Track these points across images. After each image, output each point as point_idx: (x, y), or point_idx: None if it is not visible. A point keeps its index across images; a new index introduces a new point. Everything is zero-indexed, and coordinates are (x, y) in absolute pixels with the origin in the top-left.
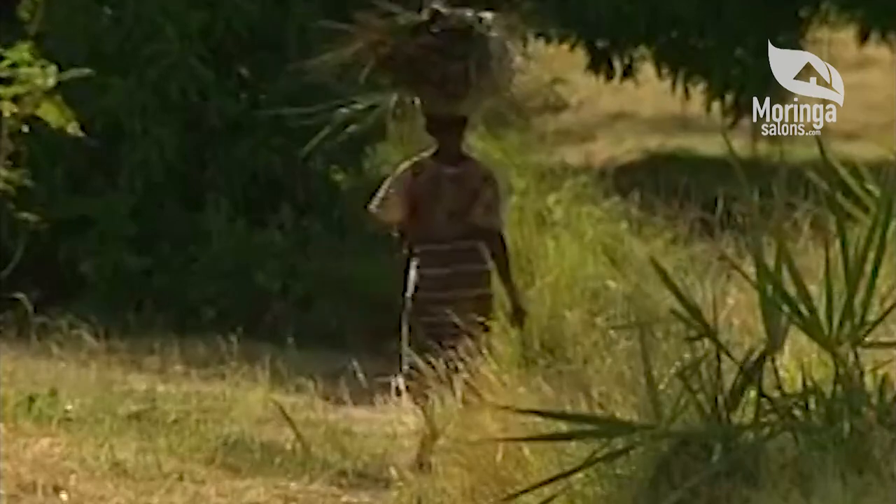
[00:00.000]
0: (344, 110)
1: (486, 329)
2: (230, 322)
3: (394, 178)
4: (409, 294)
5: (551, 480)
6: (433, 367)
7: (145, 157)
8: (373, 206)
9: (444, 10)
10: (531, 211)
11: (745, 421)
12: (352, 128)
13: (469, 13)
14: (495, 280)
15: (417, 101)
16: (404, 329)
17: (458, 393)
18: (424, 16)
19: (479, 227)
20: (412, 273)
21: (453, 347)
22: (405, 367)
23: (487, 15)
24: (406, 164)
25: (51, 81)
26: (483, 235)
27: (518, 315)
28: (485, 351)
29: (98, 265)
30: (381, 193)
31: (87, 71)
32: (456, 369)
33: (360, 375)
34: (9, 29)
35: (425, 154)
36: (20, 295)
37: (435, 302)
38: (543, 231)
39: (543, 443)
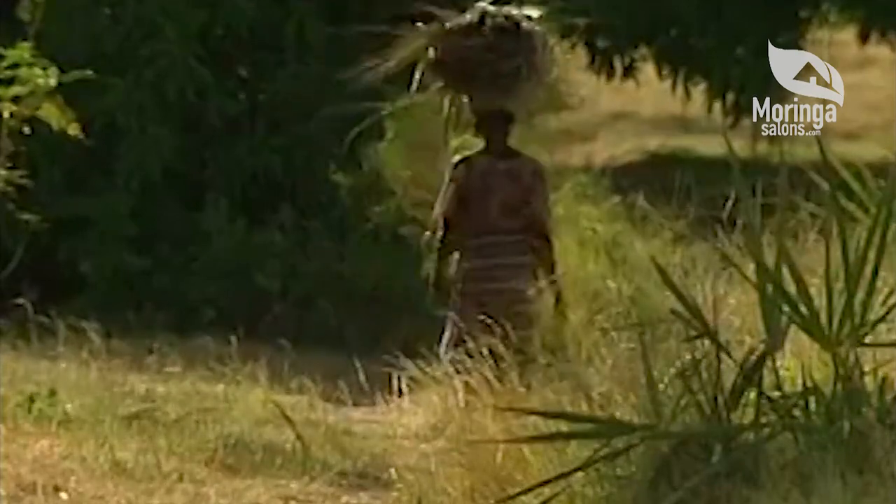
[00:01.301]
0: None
1: (531, 321)
2: (230, 322)
3: (448, 176)
4: (458, 286)
5: (551, 480)
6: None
7: (143, 157)
8: (436, 211)
9: (491, 8)
10: None
11: (745, 421)
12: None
13: (515, 11)
14: None
15: (466, 99)
16: (454, 318)
17: (460, 393)
18: (473, 16)
19: (534, 220)
20: (460, 265)
21: (503, 335)
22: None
23: (533, 12)
24: (455, 160)
25: (52, 82)
26: (534, 229)
27: (559, 307)
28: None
29: (98, 265)
30: (440, 196)
31: (89, 73)
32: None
33: (361, 375)
34: (8, 29)
35: (474, 151)
36: (20, 297)
37: (484, 293)
38: None
39: (543, 443)
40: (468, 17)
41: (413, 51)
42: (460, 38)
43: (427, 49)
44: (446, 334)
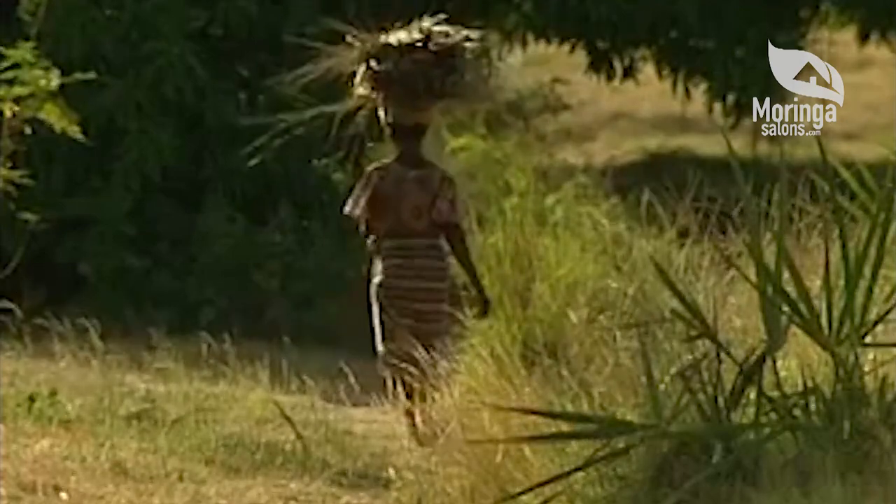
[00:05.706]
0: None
1: (449, 319)
2: (230, 322)
3: (362, 181)
4: (375, 282)
5: (551, 480)
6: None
7: (142, 157)
8: (347, 208)
9: (435, 28)
10: (531, 211)
11: (745, 421)
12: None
13: (454, 32)
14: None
15: (382, 111)
16: (374, 314)
17: (457, 393)
18: (416, 34)
19: (440, 222)
20: (378, 264)
21: (417, 334)
22: (384, 357)
23: (473, 34)
24: (371, 168)
25: (54, 84)
26: (444, 230)
27: (480, 304)
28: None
29: (98, 265)
30: (353, 196)
31: (91, 75)
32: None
33: (360, 376)
34: (8, 30)
35: (388, 159)
36: (20, 297)
37: (398, 289)
38: (543, 231)
39: (543, 443)
40: (413, 34)
41: (347, 62)
42: (407, 54)
43: (364, 60)
44: (377, 330)
